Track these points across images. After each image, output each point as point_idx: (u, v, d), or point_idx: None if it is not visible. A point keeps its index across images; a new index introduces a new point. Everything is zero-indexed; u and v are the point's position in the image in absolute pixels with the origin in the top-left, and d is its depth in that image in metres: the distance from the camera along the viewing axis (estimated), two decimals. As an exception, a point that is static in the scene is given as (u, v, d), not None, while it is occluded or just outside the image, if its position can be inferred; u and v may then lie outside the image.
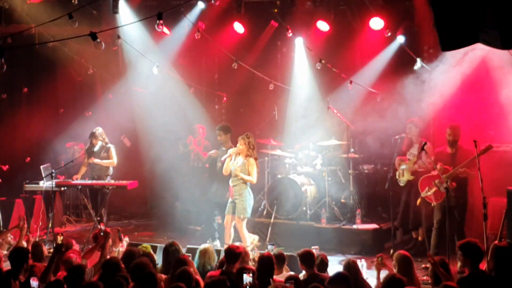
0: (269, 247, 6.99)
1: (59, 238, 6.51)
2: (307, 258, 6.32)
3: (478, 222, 8.23)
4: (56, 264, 6.27)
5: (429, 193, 8.49)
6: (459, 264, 5.88)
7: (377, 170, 10.60)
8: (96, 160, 10.07)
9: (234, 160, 8.92)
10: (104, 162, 10.12)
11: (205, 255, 6.74)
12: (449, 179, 8.20)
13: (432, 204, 8.54)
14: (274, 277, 6.16)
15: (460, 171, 8.26)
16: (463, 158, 8.31)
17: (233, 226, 8.99)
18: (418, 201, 8.75)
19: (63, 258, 6.31)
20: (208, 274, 6.32)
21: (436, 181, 8.42)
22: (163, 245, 6.98)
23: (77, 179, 10.20)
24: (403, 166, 9.29)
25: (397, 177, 9.36)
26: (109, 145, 10.28)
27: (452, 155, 8.56)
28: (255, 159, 8.89)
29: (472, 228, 8.89)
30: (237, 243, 7.15)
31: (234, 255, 6.38)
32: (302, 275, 6.38)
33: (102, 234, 7.06)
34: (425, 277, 7.41)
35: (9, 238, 7.46)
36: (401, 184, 9.36)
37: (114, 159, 10.20)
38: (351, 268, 6.05)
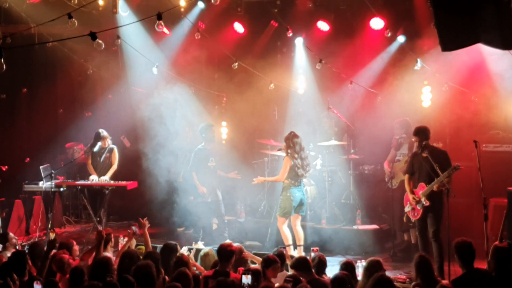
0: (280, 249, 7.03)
1: (52, 235, 6.53)
2: (302, 264, 6.20)
3: (478, 223, 8.20)
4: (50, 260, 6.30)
5: (408, 209, 8.28)
6: None
7: (377, 171, 10.56)
8: (105, 178, 10.02)
9: None
10: (110, 173, 10.09)
11: (206, 258, 6.76)
12: (425, 197, 7.92)
13: (412, 220, 8.30)
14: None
15: (435, 186, 7.81)
16: (439, 159, 7.84)
17: (288, 226, 8.99)
18: (404, 217, 8.53)
19: (56, 258, 6.29)
20: (203, 274, 6.33)
21: (411, 198, 8.12)
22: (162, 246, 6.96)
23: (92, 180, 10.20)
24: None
25: (388, 183, 9.35)
26: (112, 145, 10.25)
27: (427, 158, 7.90)
28: (288, 154, 8.84)
29: (472, 228, 8.85)
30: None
31: (226, 253, 6.36)
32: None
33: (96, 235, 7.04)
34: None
35: (14, 240, 7.44)
36: (394, 187, 9.32)
37: (115, 162, 10.17)
38: (348, 269, 6.08)
